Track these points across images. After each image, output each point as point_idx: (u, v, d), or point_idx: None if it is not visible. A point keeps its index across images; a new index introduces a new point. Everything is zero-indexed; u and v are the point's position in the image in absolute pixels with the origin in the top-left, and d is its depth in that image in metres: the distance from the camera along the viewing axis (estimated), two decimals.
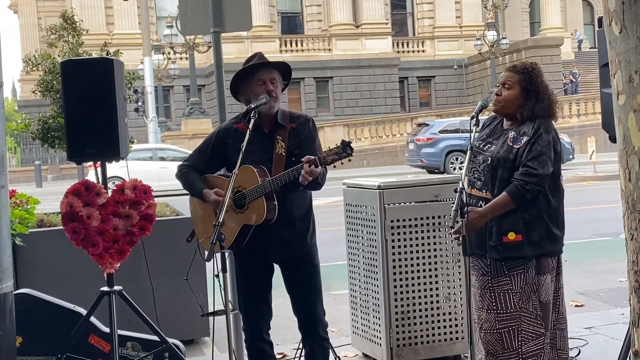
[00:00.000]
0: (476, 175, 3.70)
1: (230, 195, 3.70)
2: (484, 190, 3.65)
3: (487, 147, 3.73)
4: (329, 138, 27.93)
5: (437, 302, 4.94)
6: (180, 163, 4.21)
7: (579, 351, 5.06)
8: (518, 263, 3.62)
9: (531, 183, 3.51)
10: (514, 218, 3.57)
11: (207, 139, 4.17)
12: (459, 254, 3.48)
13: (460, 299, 4.91)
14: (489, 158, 3.65)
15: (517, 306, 3.62)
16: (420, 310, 4.91)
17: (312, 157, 3.68)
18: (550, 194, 3.61)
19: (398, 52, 41.50)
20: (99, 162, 4.61)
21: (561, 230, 3.68)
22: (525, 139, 3.58)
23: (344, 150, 3.66)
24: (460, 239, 3.45)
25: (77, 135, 4.44)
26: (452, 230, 3.50)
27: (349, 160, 3.70)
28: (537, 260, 3.63)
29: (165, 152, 24.09)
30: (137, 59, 29.19)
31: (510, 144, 3.61)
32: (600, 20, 3.46)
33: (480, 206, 3.60)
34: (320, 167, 3.69)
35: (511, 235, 3.57)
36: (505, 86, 3.70)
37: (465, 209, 3.41)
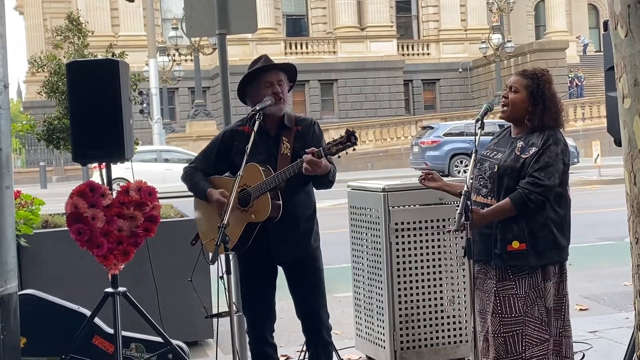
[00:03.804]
0: (482, 183, 3.69)
1: (235, 196, 3.70)
2: (489, 197, 3.65)
3: (493, 154, 3.73)
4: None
5: (441, 304, 4.94)
6: (185, 165, 4.21)
7: (583, 355, 5.05)
8: (523, 269, 3.62)
9: (536, 193, 3.50)
10: (518, 227, 3.57)
11: (213, 141, 4.17)
12: (464, 256, 3.48)
13: (465, 301, 4.91)
14: (496, 166, 3.64)
15: (521, 311, 3.62)
16: (424, 313, 4.91)
17: (316, 149, 3.69)
18: (557, 203, 3.60)
19: (403, 54, 41.49)
20: (103, 164, 4.62)
21: (567, 239, 3.67)
22: (533, 149, 3.57)
23: (349, 139, 3.66)
24: (465, 241, 3.46)
25: (82, 136, 4.45)
26: (453, 227, 3.52)
27: (354, 150, 3.69)
28: (542, 267, 3.62)
29: (170, 154, 24.12)
30: (143, 61, 29.24)
31: (518, 154, 3.60)
32: (605, 23, 3.46)
33: None
34: (324, 157, 3.69)
35: (515, 244, 3.57)
36: (512, 90, 3.69)
37: (470, 212, 3.41)
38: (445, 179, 3.92)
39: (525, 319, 3.62)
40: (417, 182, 3.95)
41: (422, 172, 3.89)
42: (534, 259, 3.58)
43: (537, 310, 3.62)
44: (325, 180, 3.84)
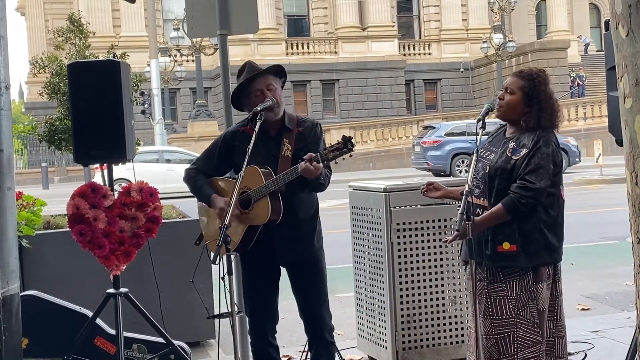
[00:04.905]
0: (475, 183, 3.68)
1: (237, 197, 3.71)
2: (481, 198, 3.64)
3: (487, 154, 3.73)
4: (334, 140, 27.85)
5: (443, 305, 4.94)
6: (187, 167, 4.21)
7: (585, 355, 5.05)
8: (514, 270, 3.61)
9: (527, 197, 3.49)
10: (510, 228, 3.56)
11: (214, 142, 4.17)
12: (459, 255, 3.49)
13: (466, 302, 4.90)
14: (487, 167, 3.65)
15: (512, 313, 3.61)
16: (426, 313, 4.91)
17: (314, 154, 3.70)
18: (549, 204, 3.58)
19: (404, 54, 41.49)
20: (105, 164, 4.62)
21: (559, 240, 3.65)
22: (524, 151, 3.56)
23: (345, 145, 3.67)
24: (466, 242, 3.46)
25: (84, 137, 4.45)
26: (450, 238, 3.53)
27: (350, 156, 3.71)
28: (534, 269, 3.62)
29: (172, 155, 24.14)
30: (144, 61, 29.25)
31: (509, 155, 3.60)
32: (607, 23, 3.46)
33: (477, 214, 3.59)
34: (321, 163, 3.70)
35: (505, 245, 3.56)
36: (508, 91, 3.69)
37: (472, 212, 3.41)
38: (446, 179, 3.93)
39: (516, 321, 3.61)
40: (419, 182, 3.96)
41: (423, 185, 3.89)
42: (525, 260, 3.57)
43: (529, 312, 3.61)
44: (317, 184, 3.84)
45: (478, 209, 3.61)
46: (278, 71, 4.07)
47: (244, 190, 3.85)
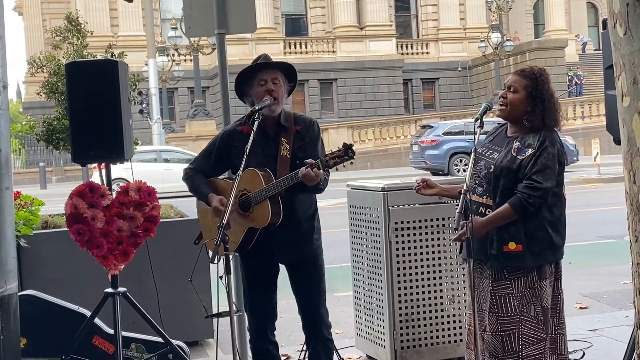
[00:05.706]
0: (477, 182, 3.68)
1: (236, 199, 3.71)
2: (484, 197, 3.65)
3: (488, 153, 3.72)
4: (333, 140, 27.96)
5: (442, 304, 4.94)
6: (186, 166, 4.22)
7: (583, 353, 5.06)
8: (519, 268, 3.62)
9: (534, 197, 3.50)
10: (515, 228, 3.57)
11: (212, 142, 4.17)
12: (459, 253, 3.49)
13: (465, 300, 4.91)
14: (492, 166, 3.64)
15: (517, 310, 3.62)
16: (424, 312, 4.91)
17: (314, 161, 3.70)
18: (552, 203, 3.60)
19: (402, 54, 41.49)
20: (103, 164, 4.62)
21: (562, 238, 3.68)
22: (530, 151, 3.57)
23: (346, 153, 3.68)
24: (464, 241, 3.46)
25: (82, 137, 4.45)
26: (454, 236, 3.53)
27: (351, 163, 3.72)
28: (538, 267, 3.63)
29: (170, 154, 24.12)
30: (142, 61, 29.24)
31: (514, 154, 3.60)
32: (604, 22, 3.46)
33: (480, 212, 3.60)
34: (322, 170, 3.71)
35: (511, 245, 3.57)
36: (511, 90, 3.68)
37: (470, 210, 3.41)
38: (443, 178, 3.93)
39: (521, 318, 3.62)
40: (416, 182, 3.94)
41: (416, 182, 3.89)
42: (530, 259, 3.59)
43: (533, 309, 3.63)
44: (315, 187, 3.85)
45: (481, 207, 3.62)
46: (288, 71, 4.06)
47: (243, 193, 3.85)
